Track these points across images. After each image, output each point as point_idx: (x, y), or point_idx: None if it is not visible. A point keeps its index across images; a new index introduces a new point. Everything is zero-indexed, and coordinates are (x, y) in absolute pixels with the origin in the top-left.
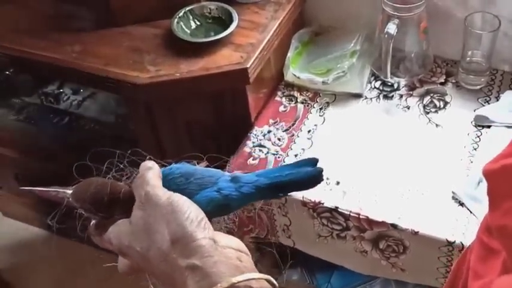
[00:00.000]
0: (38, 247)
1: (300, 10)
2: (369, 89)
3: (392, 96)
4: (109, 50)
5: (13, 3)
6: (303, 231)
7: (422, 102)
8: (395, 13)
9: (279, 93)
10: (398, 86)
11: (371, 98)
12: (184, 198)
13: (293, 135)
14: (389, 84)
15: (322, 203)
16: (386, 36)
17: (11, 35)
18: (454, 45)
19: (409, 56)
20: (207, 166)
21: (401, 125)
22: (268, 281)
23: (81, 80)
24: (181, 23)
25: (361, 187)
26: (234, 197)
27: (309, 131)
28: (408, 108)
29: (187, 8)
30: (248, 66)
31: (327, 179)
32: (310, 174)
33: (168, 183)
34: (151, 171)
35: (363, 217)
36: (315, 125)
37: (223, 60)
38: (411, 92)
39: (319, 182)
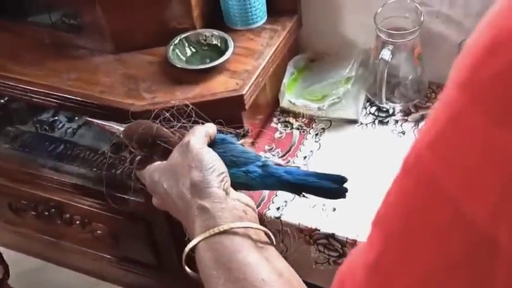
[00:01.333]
0: (35, 277)
1: (295, 37)
2: (364, 115)
3: (388, 121)
4: (104, 77)
5: (9, 31)
6: (299, 258)
7: (417, 128)
8: (390, 39)
9: (275, 119)
10: (394, 111)
11: (366, 124)
12: (214, 154)
13: (289, 161)
14: (384, 109)
15: (319, 230)
16: (381, 62)
17: (6, 63)
18: (449, 70)
19: (403, 82)
20: (252, 143)
21: (397, 150)
22: (266, 234)
23: (77, 108)
24: (177, 50)
25: (358, 213)
26: (256, 182)
27: (304, 157)
28: (403, 134)
29: (183, 35)
30: (244, 93)
31: (323, 205)
32: (332, 190)
33: (212, 147)
34: (204, 129)
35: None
36: (311, 151)
37: (219, 87)
38: (406, 118)
39: (339, 198)
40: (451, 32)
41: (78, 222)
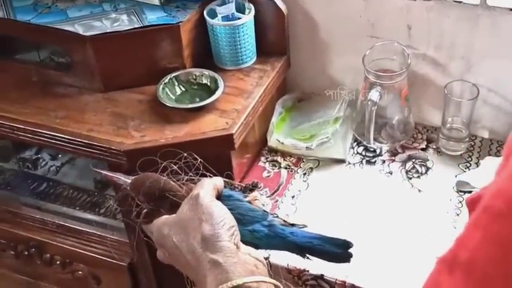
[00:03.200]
0: None
1: (284, 76)
2: (352, 155)
3: (375, 161)
4: (93, 115)
5: None
6: None
7: (404, 168)
8: (378, 81)
9: (263, 158)
10: (381, 151)
11: (354, 164)
12: (224, 207)
13: (277, 200)
14: (371, 149)
15: (307, 271)
16: (369, 103)
17: None
18: (435, 112)
19: (390, 123)
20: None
21: (384, 190)
22: (276, 286)
23: (64, 146)
24: (167, 89)
25: None
26: (262, 242)
27: (292, 197)
28: (391, 174)
29: (173, 75)
30: (233, 132)
31: None
32: (337, 254)
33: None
34: (213, 183)
35: (349, 285)
36: (299, 191)
37: (209, 126)
38: (393, 158)
39: (343, 262)
40: (437, 75)
41: (58, 262)
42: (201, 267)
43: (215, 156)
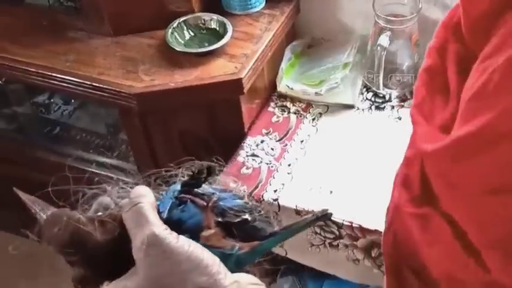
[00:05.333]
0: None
1: (293, 22)
2: (361, 100)
3: (384, 107)
4: (103, 59)
5: (6, 13)
6: (295, 240)
7: None
8: (388, 26)
9: (272, 104)
10: (390, 97)
11: (363, 109)
12: (196, 244)
13: (286, 145)
14: (381, 95)
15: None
16: (378, 48)
17: (4, 45)
18: None
19: (400, 68)
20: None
21: (393, 135)
22: None
23: (75, 90)
24: (176, 34)
25: (354, 196)
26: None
27: (301, 141)
28: (400, 119)
29: (182, 19)
30: (242, 76)
31: (320, 188)
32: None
33: None
34: (148, 203)
35: (356, 225)
36: (308, 135)
37: (218, 70)
38: (402, 104)
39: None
40: None
41: None
42: None
43: (225, 101)
